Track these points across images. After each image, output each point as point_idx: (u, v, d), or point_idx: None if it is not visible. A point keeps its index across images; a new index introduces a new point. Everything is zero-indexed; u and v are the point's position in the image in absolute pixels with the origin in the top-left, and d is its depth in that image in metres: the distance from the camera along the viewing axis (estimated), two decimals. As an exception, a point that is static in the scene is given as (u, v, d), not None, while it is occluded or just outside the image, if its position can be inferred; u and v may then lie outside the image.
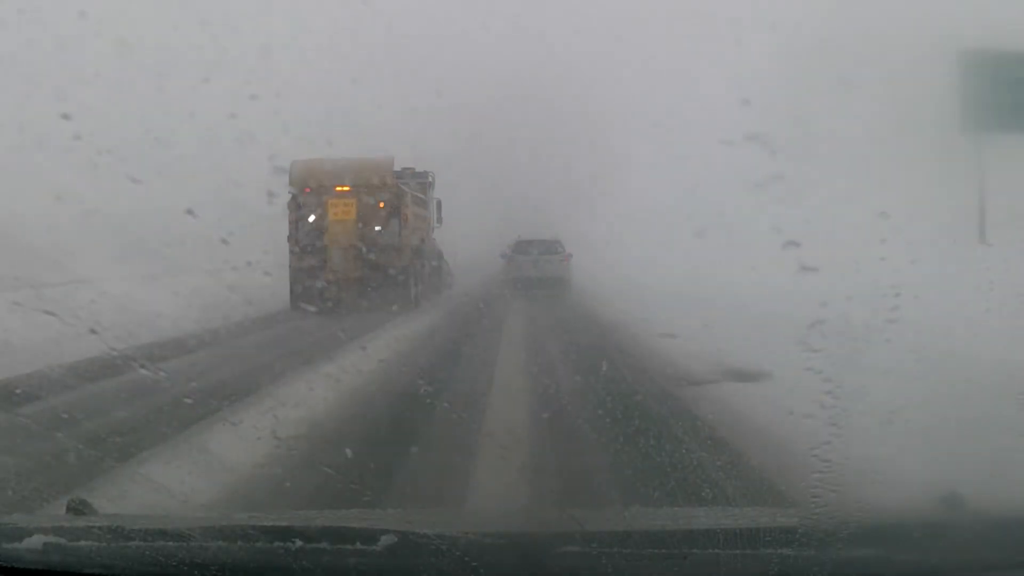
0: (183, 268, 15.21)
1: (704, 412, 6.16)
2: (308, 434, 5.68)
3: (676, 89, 29.42)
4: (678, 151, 26.08)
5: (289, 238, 16.11)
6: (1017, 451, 4.43)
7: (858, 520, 2.19)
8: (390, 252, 16.13)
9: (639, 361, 9.02)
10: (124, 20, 19.76)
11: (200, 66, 18.81)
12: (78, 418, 6.01)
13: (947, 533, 1.99)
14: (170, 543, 1.94)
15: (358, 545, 1.89)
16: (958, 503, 2.08)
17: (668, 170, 26.88)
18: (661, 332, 10.60)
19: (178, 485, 4.42)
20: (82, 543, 1.95)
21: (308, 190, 16.15)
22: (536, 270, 20.88)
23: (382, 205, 16.38)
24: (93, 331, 6.65)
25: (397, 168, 17.66)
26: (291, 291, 15.53)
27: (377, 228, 16.30)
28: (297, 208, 16.14)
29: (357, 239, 15.97)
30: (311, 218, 16.18)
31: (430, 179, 20.73)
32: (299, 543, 1.88)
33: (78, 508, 2.29)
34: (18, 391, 6.90)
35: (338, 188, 16.21)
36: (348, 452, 5.00)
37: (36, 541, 1.90)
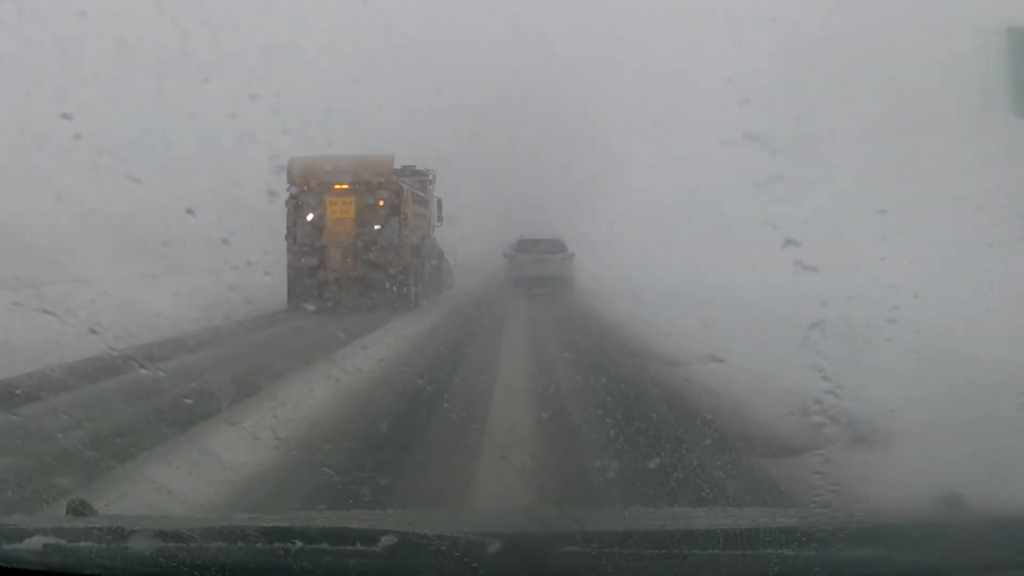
0: (183, 268, 15.21)
1: (720, 419, 6.14)
2: (308, 434, 5.68)
3: (676, 89, 29.39)
4: (678, 151, 26.07)
5: (287, 237, 15.88)
6: (1017, 451, 4.43)
7: (858, 520, 2.19)
8: (390, 251, 15.97)
9: (642, 360, 9.03)
10: (124, 20, 19.75)
11: (200, 66, 18.78)
12: (78, 418, 6.01)
13: (947, 533, 1.99)
14: (170, 544, 1.94)
15: (358, 546, 1.89)
16: (958, 503, 2.08)
17: (668, 170, 26.87)
18: (661, 331, 10.62)
19: (178, 486, 4.42)
20: (82, 544, 1.95)
21: (306, 188, 15.92)
22: (539, 269, 20.83)
23: (382, 203, 16.17)
24: (93, 331, 6.66)
25: (397, 166, 17.46)
26: (289, 290, 15.36)
27: (377, 227, 16.10)
28: (295, 206, 15.91)
29: (356, 238, 15.82)
30: (310, 217, 15.97)
31: (431, 177, 20.53)
32: (299, 544, 1.88)
33: (78, 509, 2.29)
34: (18, 391, 6.90)
35: (337, 186, 15.99)
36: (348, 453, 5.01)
37: (36, 542, 1.90)
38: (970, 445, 4.68)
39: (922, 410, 5.49)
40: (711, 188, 22.28)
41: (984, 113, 17.87)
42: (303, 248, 15.83)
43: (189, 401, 6.28)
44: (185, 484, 4.48)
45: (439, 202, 20.97)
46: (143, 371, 6.90)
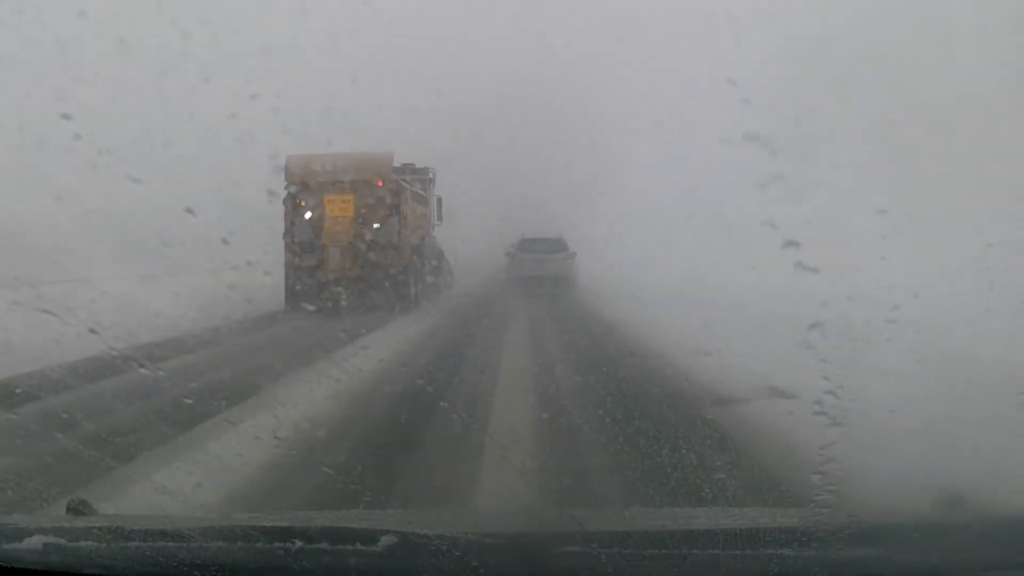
0: (183, 268, 15.20)
1: (720, 419, 6.14)
2: (308, 434, 5.68)
3: (676, 89, 29.38)
4: (678, 151, 26.05)
5: (285, 236, 15.62)
6: (1017, 451, 4.43)
7: (858, 520, 2.19)
8: (389, 251, 15.75)
9: (643, 360, 9.04)
10: (124, 20, 19.73)
11: (200, 66, 18.77)
12: (78, 418, 6.01)
13: (947, 533, 1.99)
14: (170, 543, 1.94)
15: (358, 546, 1.89)
16: (958, 503, 2.09)
17: (668, 170, 26.86)
18: (662, 332, 10.62)
19: (178, 485, 4.43)
20: (82, 543, 1.96)
21: (304, 186, 15.61)
22: (540, 268, 20.78)
23: (381, 202, 15.89)
24: (93, 331, 6.65)
25: (396, 164, 17.19)
26: (286, 290, 15.11)
27: (376, 226, 15.85)
28: (293, 205, 15.62)
29: (355, 237, 15.56)
30: (308, 215, 15.70)
31: (431, 175, 20.23)
32: (299, 544, 1.88)
33: (78, 508, 2.29)
34: (18, 391, 6.90)
35: (335, 184, 15.67)
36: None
37: (36, 541, 1.91)
38: (970, 445, 4.68)
39: (922, 410, 5.49)
40: (711, 188, 22.26)
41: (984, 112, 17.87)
42: (301, 247, 15.59)
43: (189, 401, 6.29)
44: (185, 484, 4.48)
45: (439, 201, 20.71)
46: (143, 371, 6.90)
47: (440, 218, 20.82)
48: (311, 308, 14.18)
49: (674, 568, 1.88)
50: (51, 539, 1.92)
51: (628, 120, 30.93)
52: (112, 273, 13.14)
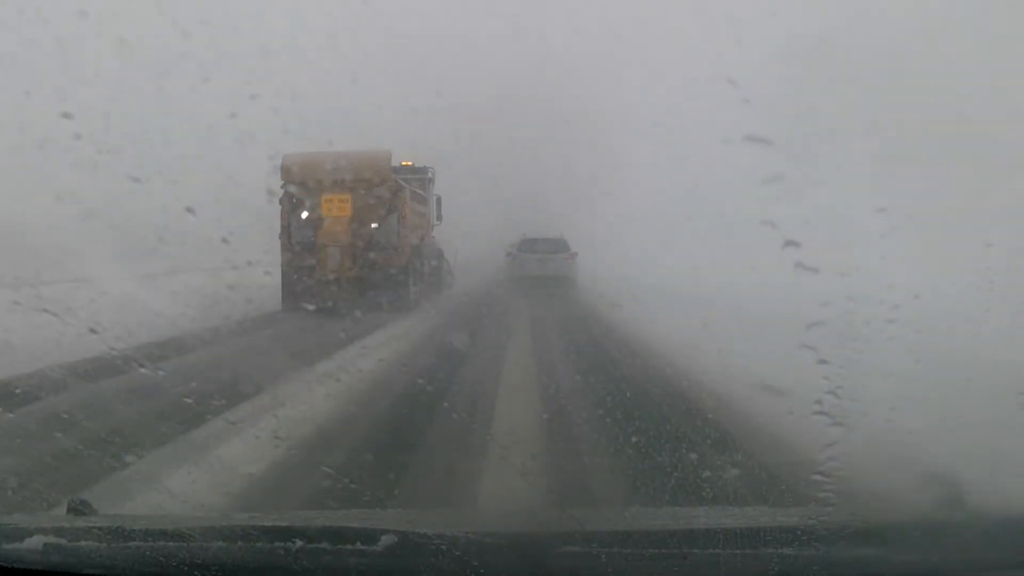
0: (183, 268, 15.20)
1: (721, 419, 6.14)
2: (308, 434, 5.68)
3: (676, 89, 29.38)
4: (678, 151, 26.04)
5: (281, 236, 15.35)
6: (1017, 451, 4.43)
7: (858, 520, 2.19)
8: (388, 251, 15.52)
9: (643, 360, 9.04)
10: (124, 20, 19.72)
11: (200, 66, 18.76)
12: (78, 418, 6.01)
13: (947, 533, 1.99)
14: (170, 543, 1.94)
15: (358, 545, 1.89)
16: (958, 503, 2.09)
17: (668, 170, 26.85)
18: (662, 332, 10.63)
19: (178, 485, 4.43)
20: (82, 543, 1.96)
21: (301, 185, 15.33)
22: (541, 268, 20.73)
23: (379, 201, 15.63)
24: (93, 331, 6.65)
25: (395, 163, 16.89)
26: (283, 291, 14.81)
27: (374, 225, 15.59)
28: (290, 204, 15.33)
29: (353, 237, 15.30)
30: (304, 215, 15.42)
31: (430, 175, 19.93)
32: (299, 543, 1.88)
33: (78, 508, 2.29)
34: (18, 391, 6.90)
35: (332, 183, 15.36)
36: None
37: (36, 541, 1.91)
38: (970, 445, 4.68)
39: (922, 410, 5.50)
40: (711, 188, 22.26)
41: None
42: (297, 247, 15.32)
43: (189, 401, 6.28)
44: (185, 484, 4.48)
45: (438, 200, 20.43)
46: (143, 371, 6.90)
47: (439, 218, 20.54)
48: (311, 308, 13.96)
49: (674, 568, 1.88)
50: (51, 539, 1.93)
51: (628, 120, 30.92)
52: (112, 273, 13.13)
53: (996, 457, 4.34)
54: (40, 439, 5.31)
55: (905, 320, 6.22)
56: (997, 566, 1.84)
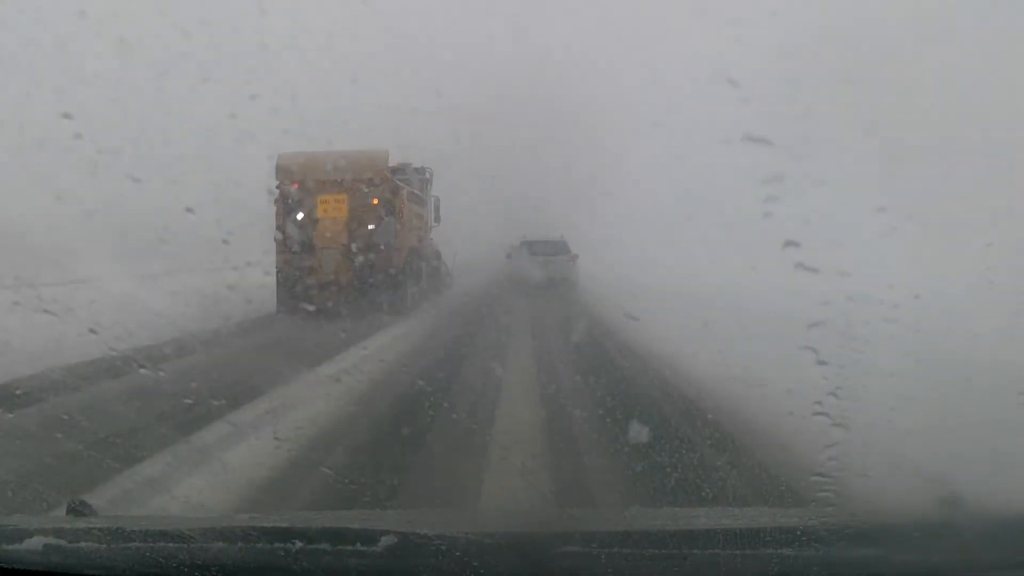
0: (183, 268, 15.19)
1: (721, 420, 6.15)
2: (308, 435, 5.68)
3: (676, 89, 29.39)
4: (678, 151, 26.05)
5: (276, 236, 14.91)
6: (1017, 451, 4.43)
7: (858, 520, 2.19)
8: (385, 252, 15.19)
9: (643, 361, 9.04)
10: (124, 20, 19.74)
11: (200, 66, 18.78)
12: (78, 419, 6.01)
13: (947, 533, 1.99)
14: (170, 544, 1.95)
15: (358, 546, 1.89)
16: (958, 503, 2.09)
17: (668, 170, 26.86)
18: (662, 332, 10.62)
19: (178, 486, 4.43)
20: (82, 544, 1.96)
21: (297, 185, 14.99)
22: (542, 271, 20.65)
23: (376, 202, 15.30)
24: (93, 331, 6.66)
25: (393, 163, 16.53)
26: (278, 293, 14.53)
27: (371, 227, 15.24)
28: (285, 205, 14.99)
29: (349, 238, 15.03)
30: (299, 215, 15.01)
31: (428, 175, 19.62)
32: (299, 544, 1.88)
33: (78, 509, 2.29)
34: (19, 392, 6.91)
35: (329, 183, 15.05)
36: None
37: (36, 542, 1.91)
38: (970, 445, 4.69)
39: (922, 410, 5.50)
40: (711, 188, 22.26)
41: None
42: (292, 249, 14.96)
43: (189, 402, 6.29)
44: (185, 484, 4.48)
45: (437, 201, 20.19)
46: (143, 372, 6.90)
47: (438, 219, 20.31)
48: (310, 308, 13.79)
49: (674, 568, 1.88)
50: (51, 540, 1.92)
51: (628, 120, 30.95)
52: (112, 273, 13.13)
53: (996, 457, 4.34)
54: (40, 440, 5.32)
55: (905, 320, 6.23)
56: (997, 566, 1.84)
